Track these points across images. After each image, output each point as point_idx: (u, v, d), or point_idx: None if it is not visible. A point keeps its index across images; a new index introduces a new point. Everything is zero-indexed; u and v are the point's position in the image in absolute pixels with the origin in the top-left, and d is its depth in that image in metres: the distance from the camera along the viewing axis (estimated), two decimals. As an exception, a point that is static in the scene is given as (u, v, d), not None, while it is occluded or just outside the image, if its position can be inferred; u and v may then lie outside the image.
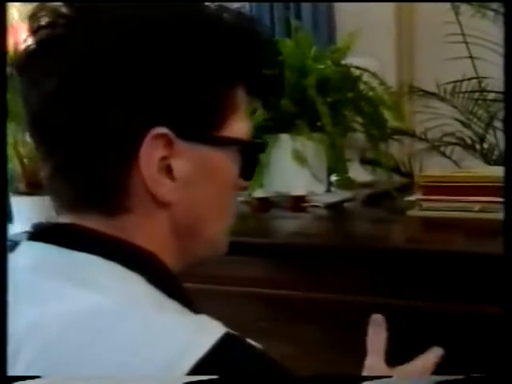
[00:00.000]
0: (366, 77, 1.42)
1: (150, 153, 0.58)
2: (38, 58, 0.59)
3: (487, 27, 2.44)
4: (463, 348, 0.96)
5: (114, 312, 0.52)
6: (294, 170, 1.34)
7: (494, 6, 2.47)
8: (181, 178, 0.60)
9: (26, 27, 0.61)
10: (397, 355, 0.82)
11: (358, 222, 1.42)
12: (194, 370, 0.49)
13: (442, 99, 2.53)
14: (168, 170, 0.59)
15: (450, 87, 2.52)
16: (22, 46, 0.61)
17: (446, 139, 2.52)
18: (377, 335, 0.84)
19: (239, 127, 0.63)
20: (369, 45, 1.72)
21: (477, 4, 2.48)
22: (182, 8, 0.61)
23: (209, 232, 0.64)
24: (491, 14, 2.47)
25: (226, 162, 0.63)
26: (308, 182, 1.37)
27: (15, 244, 0.61)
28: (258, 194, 1.38)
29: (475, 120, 2.52)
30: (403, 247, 1.13)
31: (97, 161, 0.58)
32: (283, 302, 1.11)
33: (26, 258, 0.59)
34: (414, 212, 1.28)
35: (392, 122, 1.44)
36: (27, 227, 0.63)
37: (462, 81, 2.50)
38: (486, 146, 2.50)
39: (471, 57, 2.51)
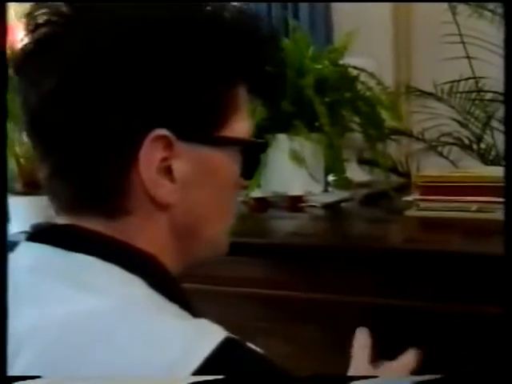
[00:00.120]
0: (363, 77, 1.42)
1: (150, 155, 0.57)
2: (35, 58, 0.59)
3: (484, 27, 2.45)
4: (461, 348, 0.96)
5: (113, 315, 0.52)
6: (291, 170, 1.34)
7: (491, 6, 2.47)
8: (181, 180, 0.59)
9: (23, 26, 0.60)
10: (395, 355, 0.82)
11: (356, 222, 1.42)
12: (195, 374, 0.49)
13: (440, 99, 2.54)
14: (168, 172, 0.59)
15: (447, 87, 2.52)
16: (19, 45, 0.60)
17: (443, 139, 2.52)
18: (362, 349, 0.83)
19: (240, 127, 0.62)
20: (366, 45, 1.72)
21: (474, 4, 2.48)
22: (182, 7, 0.60)
23: (210, 232, 0.64)
24: (488, 14, 2.47)
25: (226, 162, 0.62)
26: (305, 182, 1.37)
27: (13, 244, 0.61)
28: (256, 194, 1.38)
29: (472, 120, 2.53)
30: (401, 247, 1.13)
31: (95, 162, 0.57)
32: (282, 302, 1.10)
33: (24, 259, 0.59)
34: (411, 212, 1.28)
35: (389, 122, 1.44)
36: (24, 227, 0.63)
37: (459, 81, 2.50)
38: (483, 146, 2.50)
39: (468, 57, 2.51)
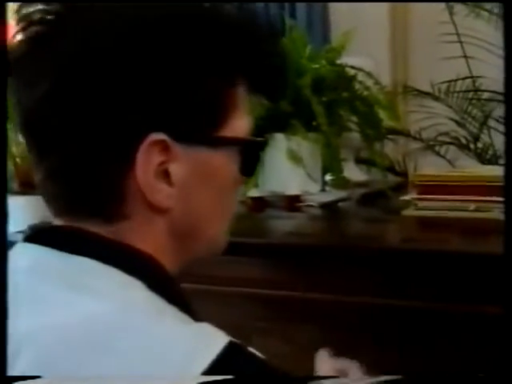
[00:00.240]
0: (360, 76, 1.42)
1: (146, 160, 0.56)
2: (28, 58, 0.58)
3: (481, 27, 2.45)
4: (458, 347, 0.96)
5: (113, 319, 0.51)
6: (289, 170, 1.34)
7: (488, 6, 2.47)
8: (179, 183, 0.58)
9: (15, 24, 0.59)
10: (393, 354, 0.82)
11: (353, 222, 1.42)
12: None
13: (437, 99, 2.54)
14: (165, 175, 0.57)
15: (444, 87, 2.52)
16: (11, 45, 0.59)
17: (440, 139, 2.53)
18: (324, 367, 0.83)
19: (240, 125, 0.61)
20: (363, 44, 1.72)
21: (471, 4, 2.48)
22: (178, 5, 0.59)
23: (210, 232, 0.63)
24: (485, 13, 2.47)
25: (226, 162, 0.61)
26: (303, 181, 1.37)
27: (10, 244, 0.60)
28: (253, 193, 1.37)
29: (470, 119, 2.53)
30: (399, 247, 1.13)
31: (90, 167, 0.56)
32: (279, 302, 1.10)
33: (21, 260, 0.58)
34: (409, 211, 1.28)
35: (387, 121, 1.44)
36: (21, 227, 0.62)
37: (456, 80, 2.50)
38: (480, 145, 2.51)
39: (465, 56, 2.52)
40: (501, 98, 2.38)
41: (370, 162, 1.53)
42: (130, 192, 0.57)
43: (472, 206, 1.21)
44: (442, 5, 2.54)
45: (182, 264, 0.63)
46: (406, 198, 1.32)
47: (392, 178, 1.92)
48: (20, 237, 0.61)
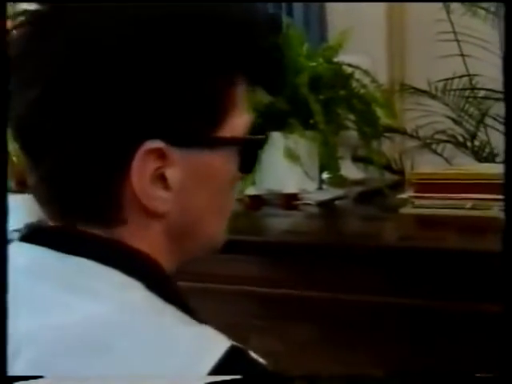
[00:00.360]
0: (357, 74, 1.42)
1: (142, 167, 0.54)
2: (19, 61, 0.56)
3: (478, 25, 2.45)
4: (456, 345, 0.96)
5: (112, 321, 0.50)
6: (286, 168, 1.34)
7: (485, 4, 2.48)
8: (176, 186, 0.56)
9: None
10: (391, 352, 0.82)
11: (350, 220, 1.42)
12: None
13: (434, 97, 2.54)
14: (162, 179, 0.56)
15: (441, 85, 2.53)
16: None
17: (437, 137, 2.53)
18: None
19: (239, 123, 0.60)
20: (360, 43, 1.72)
21: (468, 3, 2.49)
22: (173, 5, 0.57)
23: (208, 231, 0.62)
24: (482, 12, 2.48)
25: (224, 162, 0.59)
26: (300, 179, 1.37)
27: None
28: (250, 191, 1.37)
29: (466, 117, 2.53)
30: (396, 245, 1.13)
31: (85, 174, 0.55)
32: (277, 300, 1.10)
33: (18, 260, 0.57)
34: (406, 209, 1.28)
35: (384, 119, 1.44)
36: (17, 225, 0.62)
37: (453, 78, 2.51)
38: (477, 143, 2.51)
39: (462, 55, 2.52)
40: (497, 96, 2.38)
41: (367, 160, 1.53)
42: (126, 198, 0.56)
43: (469, 204, 1.21)
44: (439, 3, 2.54)
45: (180, 263, 0.62)
46: (403, 196, 1.33)
47: (389, 176, 1.92)
48: (16, 235, 0.61)
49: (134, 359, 0.49)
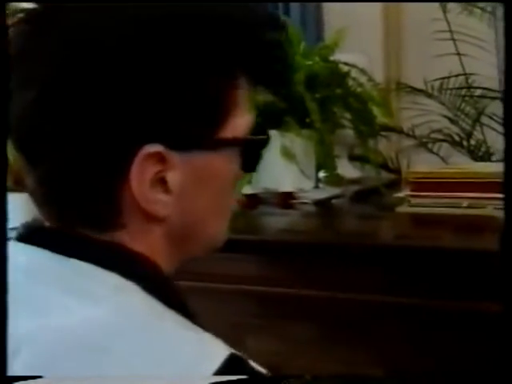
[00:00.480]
0: (354, 73, 1.42)
1: (141, 172, 0.53)
2: (16, 62, 0.55)
3: (474, 24, 2.46)
4: (453, 345, 0.96)
5: (110, 325, 0.50)
6: (282, 167, 1.34)
7: (481, 3, 2.48)
8: (176, 190, 0.56)
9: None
10: (389, 351, 0.82)
11: (347, 219, 1.42)
12: None
13: (430, 96, 2.54)
14: (162, 183, 0.55)
15: (437, 84, 2.53)
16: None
17: (433, 136, 2.53)
18: None
19: (240, 123, 0.59)
20: (356, 42, 1.72)
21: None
22: (172, 5, 0.56)
23: (209, 232, 0.62)
24: (478, 11, 2.48)
25: (226, 163, 0.59)
26: (296, 178, 1.37)
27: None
28: (247, 190, 1.37)
29: (462, 116, 2.54)
30: (392, 243, 1.13)
31: (83, 178, 0.54)
32: (274, 299, 1.10)
33: (15, 260, 0.56)
34: (402, 208, 1.28)
35: (380, 118, 1.44)
36: (14, 224, 0.62)
37: (449, 77, 2.51)
38: (473, 142, 2.51)
39: (458, 54, 2.52)
40: (493, 94, 2.39)
41: (363, 159, 1.53)
42: (126, 202, 0.55)
43: (465, 203, 1.21)
44: (435, 3, 2.54)
45: (179, 264, 0.62)
46: (400, 194, 1.33)
47: (385, 175, 1.92)
48: (13, 234, 0.60)
49: (132, 363, 0.48)
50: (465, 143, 2.52)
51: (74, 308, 0.51)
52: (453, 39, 2.52)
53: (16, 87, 0.55)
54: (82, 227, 0.56)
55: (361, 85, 1.40)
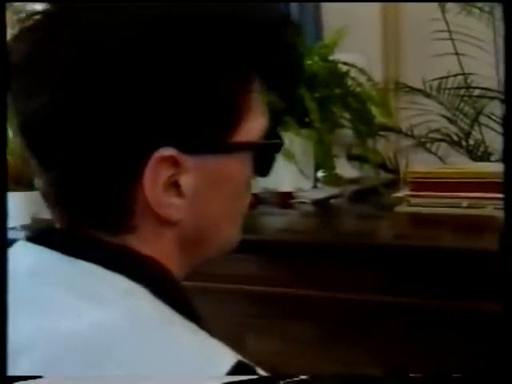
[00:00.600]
0: (353, 72, 1.42)
1: (155, 175, 0.53)
2: (25, 66, 0.55)
3: (473, 24, 2.46)
4: (451, 345, 0.96)
5: (119, 329, 0.49)
6: (281, 166, 1.33)
7: (480, 3, 2.48)
8: (189, 193, 0.55)
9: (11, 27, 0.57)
10: (388, 351, 0.82)
11: (346, 219, 1.42)
12: None
13: (428, 95, 2.54)
14: (175, 186, 0.55)
15: (435, 83, 2.53)
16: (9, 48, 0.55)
17: (431, 135, 2.53)
18: None
19: (254, 127, 0.58)
20: (355, 42, 1.72)
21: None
22: (185, 5, 0.55)
23: (222, 235, 0.61)
24: (477, 11, 2.48)
25: (239, 168, 0.58)
26: (295, 178, 1.37)
27: (10, 242, 0.59)
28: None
29: (461, 116, 2.54)
30: (391, 243, 1.13)
31: (96, 181, 0.54)
32: (274, 299, 1.10)
33: (22, 260, 0.56)
34: (401, 208, 1.28)
35: (379, 118, 1.44)
36: (13, 224, 0.61)
37: (447, 77, 2.51)
38: (471, 142, 2.51)
39: (457, 53, 2.52)
40: (492, 94, 2.39)
41: (362, 159, 1.53)
42: (138, 205, 0.54)
43: (465, 203, 1.21)
44: (434, 3, 2.54)
45: (190, 268, 0.61)
46: (399, 194, 1.33)
47: (384, 175, 1.92)
48: (22, 234, 0.59)
49: (139, 367, 0.48)
50: (463, 143, 2.52)
51: (83, 310, 0.51)
52: (451, 39, 2.52)
53: (26, 91, 0.54)
54: (93, 230, 0.55)
55: (360, 84, 1.40)
